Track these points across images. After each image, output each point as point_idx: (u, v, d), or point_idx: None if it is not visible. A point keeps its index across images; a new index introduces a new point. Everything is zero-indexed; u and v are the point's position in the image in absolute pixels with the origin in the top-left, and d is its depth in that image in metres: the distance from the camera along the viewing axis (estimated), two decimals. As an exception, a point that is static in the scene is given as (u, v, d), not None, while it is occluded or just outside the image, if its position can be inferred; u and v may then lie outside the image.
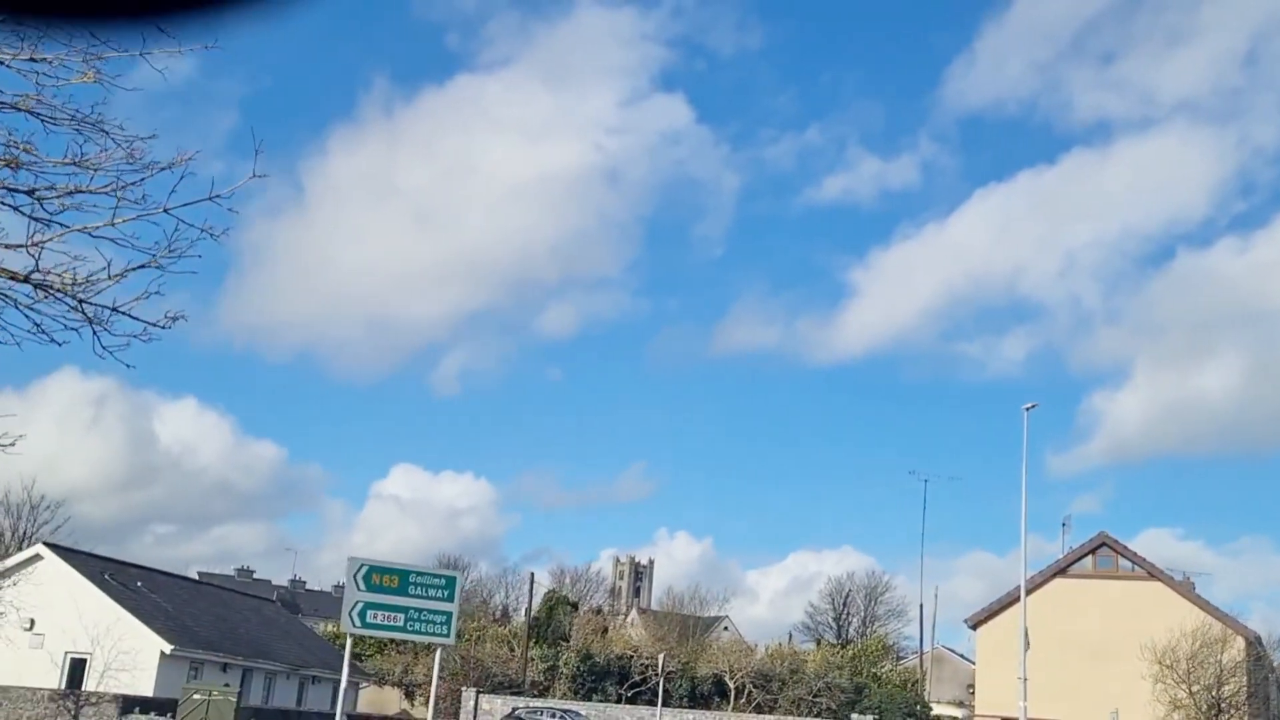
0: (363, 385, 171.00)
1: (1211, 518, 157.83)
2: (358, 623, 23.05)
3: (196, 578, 64.37)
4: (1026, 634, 37.31)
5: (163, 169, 7.97)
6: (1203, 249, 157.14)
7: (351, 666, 59.35)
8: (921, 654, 74.38)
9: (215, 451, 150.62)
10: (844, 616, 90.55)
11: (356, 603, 22.91)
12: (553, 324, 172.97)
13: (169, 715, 35.26)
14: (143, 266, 8.01)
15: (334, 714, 42.84)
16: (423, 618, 23.51)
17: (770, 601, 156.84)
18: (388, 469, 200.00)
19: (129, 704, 36.30)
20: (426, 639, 24.33)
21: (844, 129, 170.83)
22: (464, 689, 56.85)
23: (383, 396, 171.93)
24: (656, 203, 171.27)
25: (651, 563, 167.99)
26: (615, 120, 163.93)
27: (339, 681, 55.10)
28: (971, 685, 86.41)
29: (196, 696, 35.09)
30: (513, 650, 63.70)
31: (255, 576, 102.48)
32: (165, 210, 7.87)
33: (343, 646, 66.18)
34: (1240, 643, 41.74)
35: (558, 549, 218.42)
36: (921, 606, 75.61)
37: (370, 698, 61.08)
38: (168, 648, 40.98)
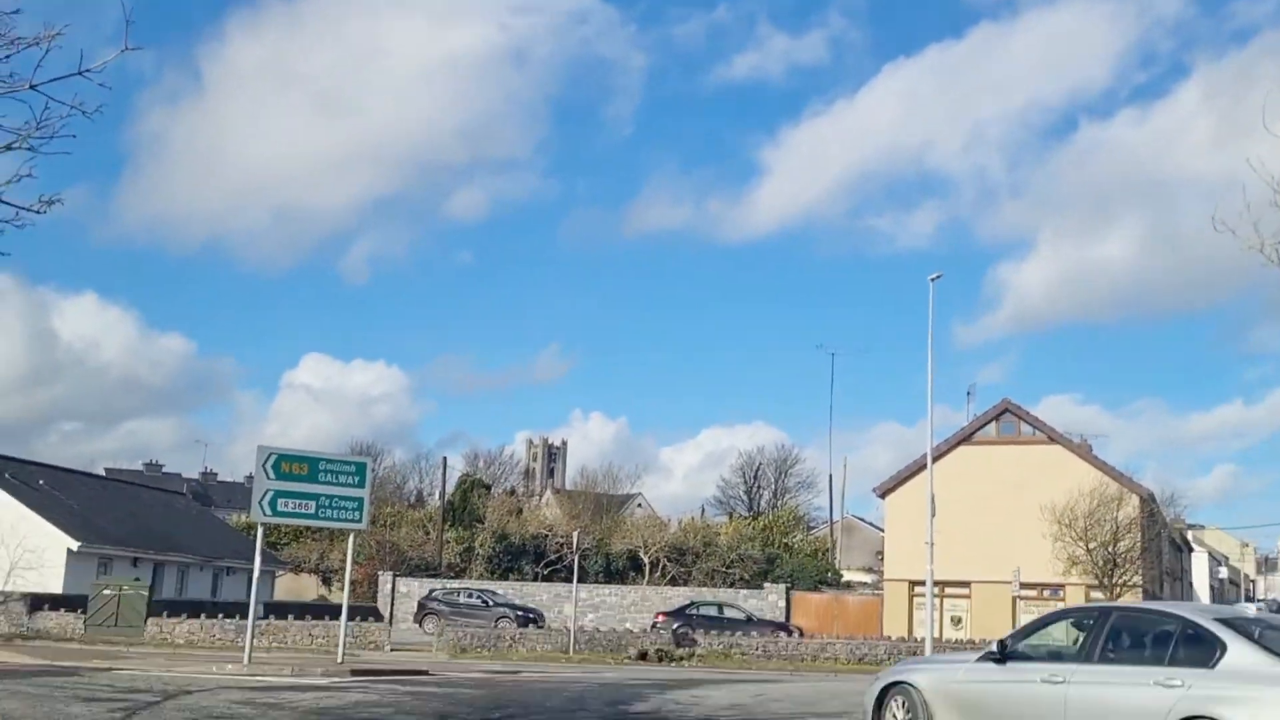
0: (272, 275, 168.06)
1: (1109, 382, 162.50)
2: (268, 511, 22.85)
3: (103, 474, 63.21)
4: (933, 500, 38.12)
5: (29, 45, 7.53)
6: (1104, 120, 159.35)
7: (266, 555, 59.27)
8: (831, 523, 76.02)
9: (120, 347, 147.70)
10: (755, 490, 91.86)
11: (266, 491, 22.68)
12: (462, 207, 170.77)
13: (79, 611, 34.91)
14: (10, 147, 7.60)
15: (248, 603, 42.98)
16: (334, 504, 23.38)
17: (684, 477, 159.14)
18: (298, 359, 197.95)
19: (37, 601, 35.89)
20: (339, 525, 24.24)
21: (753, 6, 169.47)
22: (380, 573, 57.10)
23: (292, 286, 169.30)
24: (564, 83, 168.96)
25: (564, 443, 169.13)
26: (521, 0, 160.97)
27: (253, 571, 55.33)
28: (880, 552, 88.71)
29: (107, 592, 34.78)
30: (428, 534, 63.97)
31: (165, 470, 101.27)
32: (32, 87, 7.45)
33: (250, 539, 66.50)
34: (1135, 500, 43.18)
35: (473, 433, 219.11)
36: (831, 477, 77.17)
37: (287, 585, 61.11)
38: (74, 544, 40.51)
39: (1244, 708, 8.90)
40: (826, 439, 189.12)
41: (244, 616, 37.80)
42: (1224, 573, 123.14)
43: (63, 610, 35.34)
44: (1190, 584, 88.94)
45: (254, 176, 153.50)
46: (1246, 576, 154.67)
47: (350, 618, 36.80)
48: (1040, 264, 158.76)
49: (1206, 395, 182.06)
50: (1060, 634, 11.68)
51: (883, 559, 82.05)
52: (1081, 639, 11.00)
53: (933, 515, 37.33)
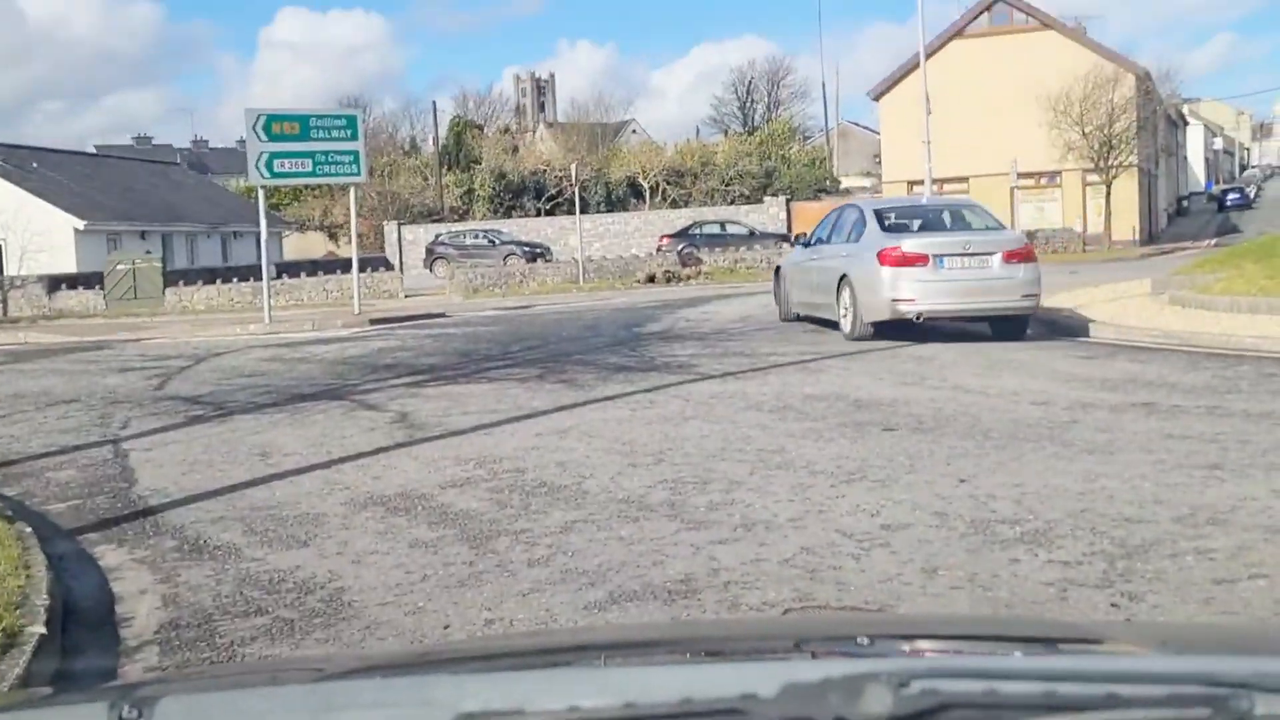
0: None
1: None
2: (265, 174, 22.81)
3: (94, 151, 62.59)
4: (928, 98, 37.85)
5: None
6: None
7: (271, 217, 59.61)
8: (827, 131, 75.77)
9: (87, 19, 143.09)
10: (748, 105, 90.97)
11: (261, 153, 22.54)
12: None
13: (97, 287, 35.54)
14: None
15: (260, 266, 43.60)
16: (330, 159, 23.28)
17: (679, 99, 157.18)
18: (273, 14, 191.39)
19: (55, 282, 36.46)
20: (338, 180, 24.31)
21: None
22: (385, 223, 57.57)
23: None
24: None
25: (552, 76, 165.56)
26: None
27: (260, 234, 55.80)
28: (878, 155, 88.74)
29: (121, 267, 35.23)
30: (426, 180, 64.04)
31: (155, 143, 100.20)
32: None
33: (252, 200, 66.56)
34: (1130, 80, 42.79)
35: (460, 74, 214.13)
36: (824, 84, 76.42)
37: (295, 244, 61.77)
38: (80, 223, 40.75)
39: (854, 261, 14.65)
40: (816, 47, 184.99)
41: (258, 279, 38.44)
42: (1219, 143, 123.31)
43: (80, 288, 35.94)
44: (1185, 158, 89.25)
45: None
46: (1241, 145, 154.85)
47: (361, 270, 37.46)
48: None
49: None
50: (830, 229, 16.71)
51: (880, 163, 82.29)
52: (830, 228, 16.61)
53: (928, 113, 37.17)
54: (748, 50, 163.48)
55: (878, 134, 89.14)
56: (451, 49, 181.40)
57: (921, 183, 44.50)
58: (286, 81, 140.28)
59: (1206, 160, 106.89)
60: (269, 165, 22.66)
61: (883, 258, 14.10)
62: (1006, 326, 14.44)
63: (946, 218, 16.22)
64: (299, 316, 25.38)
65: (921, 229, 15.36)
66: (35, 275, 36.49)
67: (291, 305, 34.10)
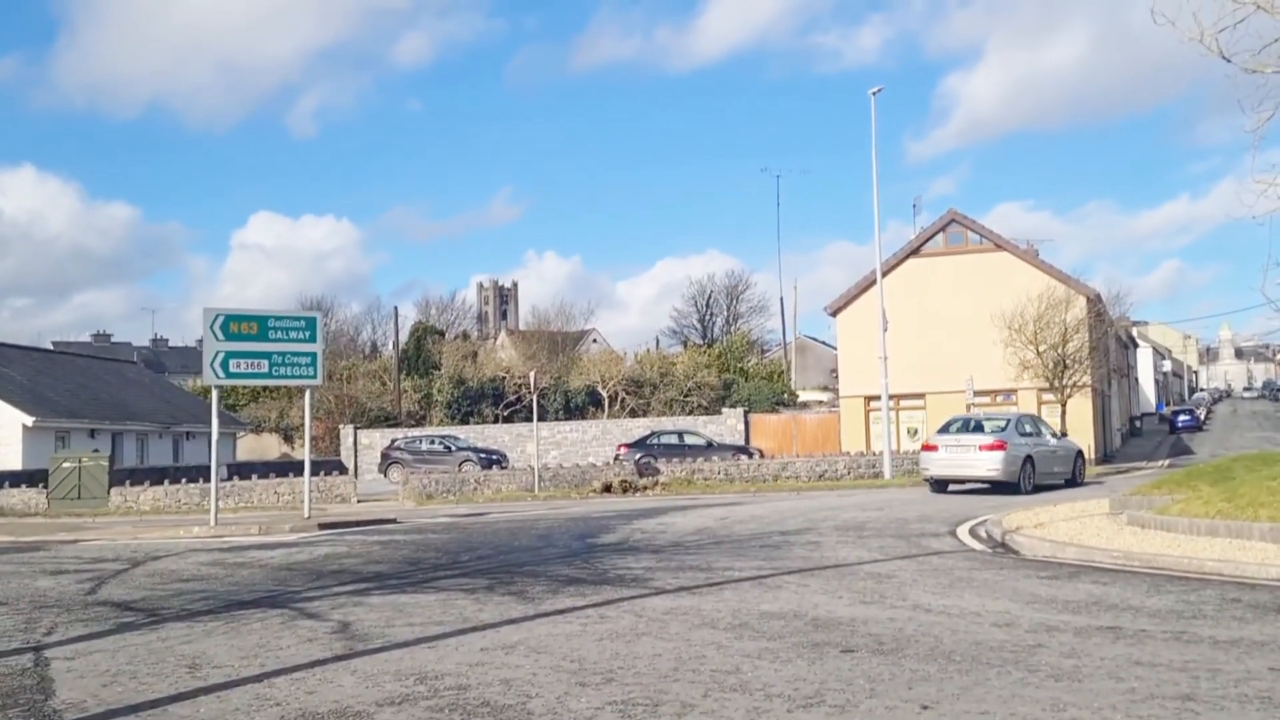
0: (217, 133, 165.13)
1: (1059, 187, 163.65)
2: (220, 374, 22.64)
3: (50, 348, 62.33)
4: (884, 314, 38.45)
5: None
6: None
7: (225, 417, 59.20)
8: (785, 345, 76.73)
9: (63, 218, 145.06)
10: (708, 317, 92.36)
11: (217, 353, 22.42)
12: (408, 54, 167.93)
13: (40, 485, 34.82)
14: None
15: (305, 461, 43.02)
16: (287, 361, 23.18)
17: (642, 310, 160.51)
18: (247, 218, 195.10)
19: (-2, 479, 35.77)
20: (294, 382, 24.06)
21: None
22: (341, 426, 57.28)
23: (239, 143, 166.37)
24: None
25: (515, 285, 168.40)
26: None
27: (211, 434, 55.23)
28: (834, 370, 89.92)
29: (66, 464, 34.64)
30: (385, 384, 64.06)
31: (114, 340, 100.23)
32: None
33: (209, 402, 66.19)
34: (1082, 302, 43.72)
35: (428, 281, 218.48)
36: (782, 300, 77.76)
37: (250, 445, 61.28)
38: (29, 420, 40.22)
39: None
40: (775, 264, 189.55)
41: (208, 480, 37.96)
42: (1168, 366, 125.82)
43: (24, 486, 35.25)
44: (1137, 379, 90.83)
45: (195, 32, 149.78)
46: (1189, 368, 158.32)
47: (314, 473, 37.03)
48: (989, 72, 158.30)
49: (1154, 192, 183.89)
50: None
51: (837, 377, 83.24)
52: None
53: (885, 329, 37.68)
54: (710, 265, 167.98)
55: (834, 349, 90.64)
56: (421, 256, 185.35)
57: (878, 398, 44.94)
58: (256, 282, 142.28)
59: (1156, 382, 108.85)
60: (224, 365, 22.50)
61: (923, 445, 29.65)
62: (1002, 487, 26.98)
63: (983, 424, 29.38)
64: (247, 519, 24.83)
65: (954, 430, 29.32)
66: (-23, 472, 35.78)
67: (241, 508, 33.48)
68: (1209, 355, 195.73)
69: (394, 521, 23.44)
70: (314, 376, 23.79)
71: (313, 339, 23.59)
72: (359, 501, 34.83)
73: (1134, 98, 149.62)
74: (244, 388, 67.15)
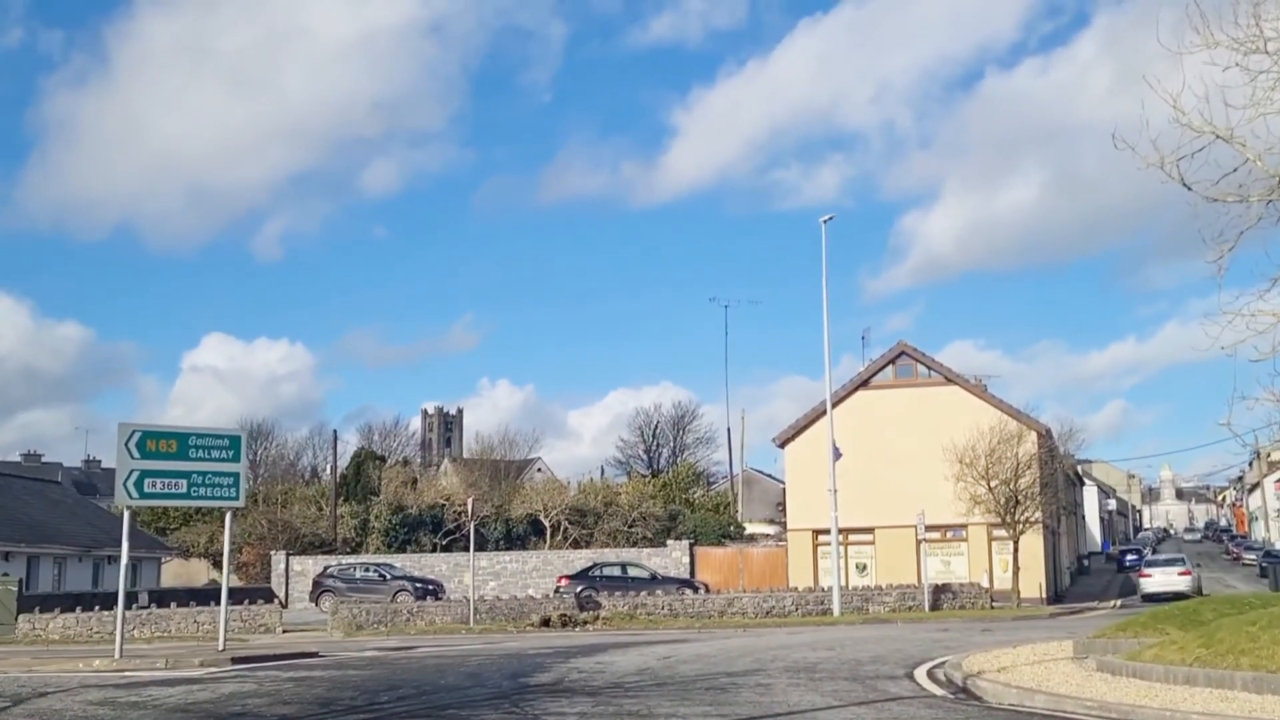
0: (182, 256, 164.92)
1: (1010, 326, 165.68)
2: (134, 493, 21.21)
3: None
4: (835, 446, 37.64)
5: None
6: (1008, 71, 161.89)
7: (151, 541, 57.01)
8: (731, 477, 75.70)
9: (13, 337, 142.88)
10: (654, 448, 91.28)
11: (131, 472, 21.02)
12: (377, 182, 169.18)
13: (-57, 612, 32.89)
14: None
15: (132, 591, 41.02)
16: (207, 481, 21.81)
17: (593, 440, 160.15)
18: (198, 338, 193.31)
19: (-106, 606, 33.71)
20: (213, 504, 22.69)
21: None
22: (273, 552, 55.27)
23: (202, 266, 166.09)
24: (482, 53, 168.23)
25: (460, 412, 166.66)
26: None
27: (139, 559, 53.01)
28: (781, 504, 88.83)
29: (-27, 588, 32.73)
30: (321, 510, 62.14)
31: (45, 460, 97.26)
32: None
33: (144, 523, 63.91)
34: (1033, 437, 43.13)
35: (381, 407, 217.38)
36: (729, 431, 76.91)
37: (176, 571, 59.01)
38: (-65, 541, 38.28)
39: None
40: (725, 398, 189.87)
41: (138, 605, 36.12)
42: (1112, 504, 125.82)
43: (-76, 613, 33.26)
44: (1083, 517, 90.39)
45: (166, 157, 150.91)
46: (1133, 507, 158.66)
47: (242, 600, 35.27)
48: (945, 214, 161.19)
49: (1102, 334, 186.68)
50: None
51: (784, 510, 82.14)
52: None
53: (836, 458, 36.85)
54: (663, 396, 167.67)
55: (781, 482, 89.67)
56: (377, 381, 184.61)
57: (826, 531, 43.90)
58: (206, 405, 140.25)
59: (1101, 520, 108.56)
60: (139, 485, 21.13)
61: (1139, 573, 46.45)
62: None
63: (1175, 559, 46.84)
64: (158, 651, 23.26)
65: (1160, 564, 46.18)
66: None
67: (157, 637, 31.72)
68: (1150, 495, 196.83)
69: (315, 655, 21.93)
70: (235, 498, 22.46)
71: (236, 458, 22.30)
72: (284, 632, 33.10)
73: (1084, 241, 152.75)
74: (175, 510, 65.01)
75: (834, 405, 46.06)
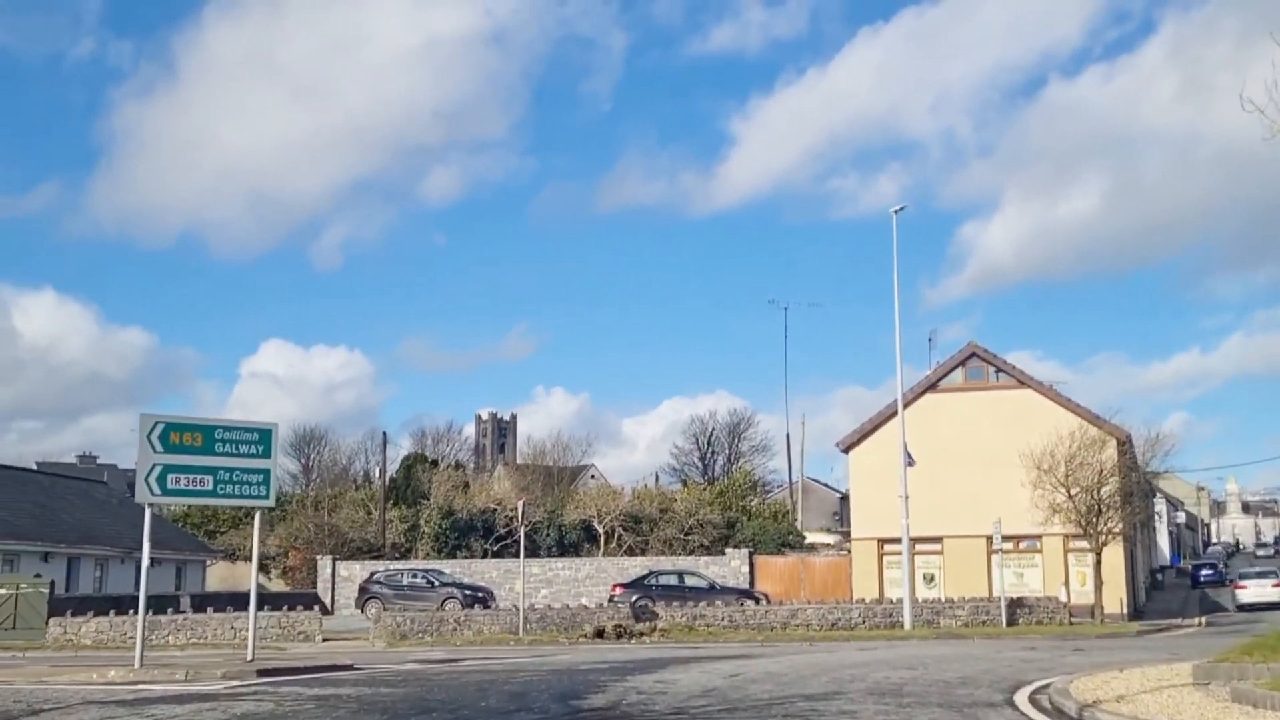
0: (243, 263, 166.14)
1: (1069, 337, 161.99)
2: (156, 489, 19.64)
3: (9, 465, 58.97)
4: (907, 449, 35.61)
5: None
6: (1071, 78, 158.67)
7: (197, 543, 55.82)
8: (791, 483, 73.68)
9: (79, 342, 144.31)
10: (709, 455, 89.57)
11: (153, 466, 19.45)
12: (437, 189, 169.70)
13: (-29, 615, 31.59)
14: None
15: (174, 595, 39.72)
16: (235, 478, 20.21)
17: (647, 448, 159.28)
18: (258, 345, 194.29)
19: (-75, 607, 32.45)
20: (241, 502, 21.14)
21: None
22: (319, 557, 53.91)
23: (263, 273, 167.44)
24: (543, 62, 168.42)
25: (514, 418, 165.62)
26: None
27: (184, 561, 51.80)
28: (836, 513, 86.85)
29: (2, 591, 31.39)
30: (370, 513, 60.75)
31: (100, 462, 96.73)
32: None
33: (194, 525, 62.76)
34: (1113, 444, 40.81)
35: (436, 415, 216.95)
36: (788, 437, 74.64)
37: (222, 574, 57.80)
38: (-30, 541, 37.13)
39: None
40: (784, 405, 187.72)
41: (176, 610, 34.68)
42: (1182, 517, 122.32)
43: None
44: (1154, 530, 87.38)
45: (229, 165, 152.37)
46: (1201, 521, 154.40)
47: (283, 606, 33.76)
48: (1004, 223, 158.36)
49: (1165, 345, 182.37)
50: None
51: (840, 519, 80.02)
52: None
53: (908, 464, 34.82)
54: (718, 405, 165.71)
55: (837, 491, 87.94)
56: (433, 389, 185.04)
57: (893, 540, 41.80)
58: (263, 411, 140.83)
59: (1170, 534, 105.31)
60: (161, 480, 19.58)
61: (1234, 584, 51.84)
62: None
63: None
64: (184, 660, 21.70)
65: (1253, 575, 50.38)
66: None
67: (191, 643, 30.27)
68: (1217, 509, 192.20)
69: (350, 668, 20.25)
70: (265, 496, 20.85)
71: (266, 454, 20.69)
72: (324, 640, 31.53)
73: (1145, 251, 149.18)
74: (224, 511, 63.78)
75: (892, 415, 44.13)
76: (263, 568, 59.64)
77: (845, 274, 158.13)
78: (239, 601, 42.12)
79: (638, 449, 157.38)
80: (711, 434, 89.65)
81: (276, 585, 57.67)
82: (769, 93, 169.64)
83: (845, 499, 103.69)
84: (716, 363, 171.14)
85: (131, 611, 32.00)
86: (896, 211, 35.57)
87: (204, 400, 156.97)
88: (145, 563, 19.95)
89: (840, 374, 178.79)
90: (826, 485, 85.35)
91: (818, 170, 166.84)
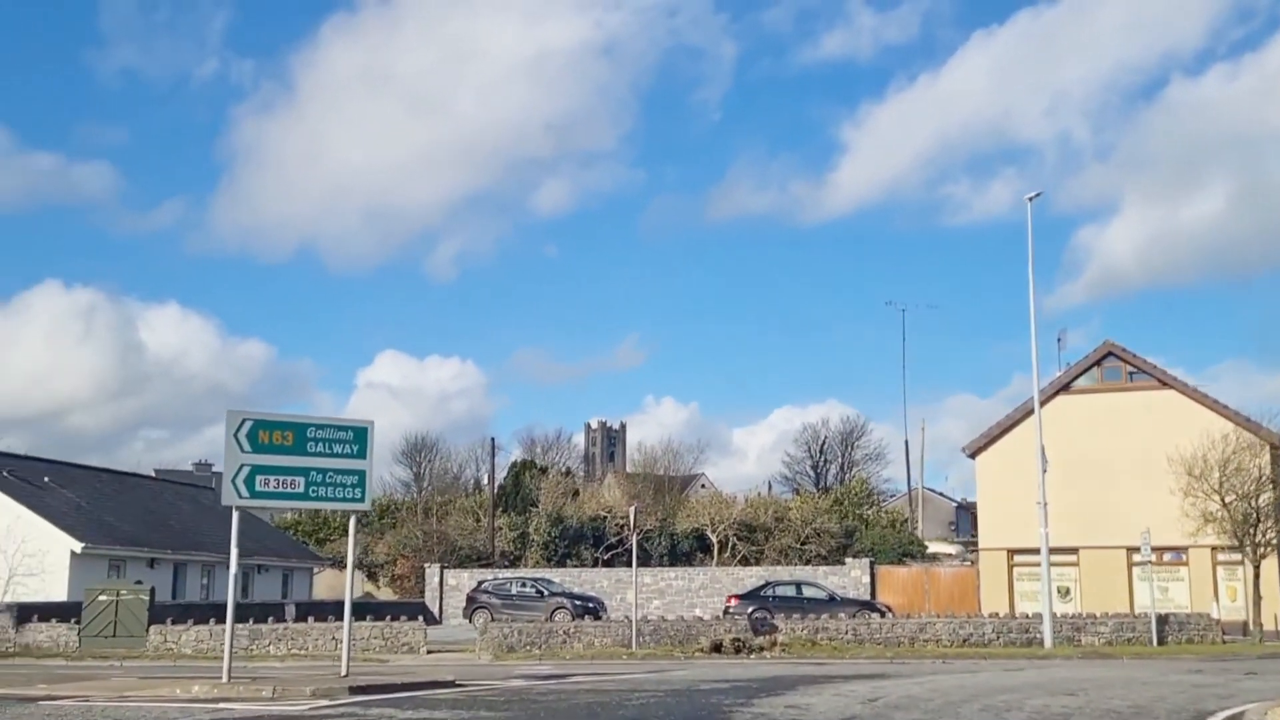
0: (360, 276, 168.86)
1: (1194, 344, 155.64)
2: (244, 492, 18.34)
3: (118, 469, 58.90)
4: (1044, 452, 33.28)
5: None
6: (1194, 78, 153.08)
7: (302, 550, 55.16)
8: (910, 490, 71.21)
9: (201, 354, 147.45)
10: (821, 464, 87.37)
11: (241, 467, 18.16)
12: (548, 201, 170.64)
13: (72, 620, 30.79)
14: None
15: (279, 604, 38.76)
16: (328, 480, 18.82)
17: (757, 458, 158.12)
18: (373, 356, 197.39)
19: (25, 612, 31.72)
20: (335, 505, 19.70)
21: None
22: (427, 566, 52.89)
23: (378, 286, 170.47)
24: (653, 73, 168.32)
25: (624, 426, 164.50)
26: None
27: (290, 569, 51.10)
28: (953, 522, 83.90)
29: (103, 598, 30.58)
30: (479, 521, 59.67)
31: (215, 469, 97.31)
32: None
33: (305, 533, 62.26)
34: (1268, 450, 37.88)
35: (547, 424, 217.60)
36: (907, 442, 72.01)
37: (330, 582, 57.12)
38: (77, 546, 36.52)
39: None
40: (895, 413, 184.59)
41: (279, 618, 33.66)
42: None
43: (54, 621, 31.15)
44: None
45: (345, 180, 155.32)
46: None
47: (392, 617, 32.50)
48: (1124, 227, 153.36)
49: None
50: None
51: (956, 529, 77.14)
52: None
53: (1044, 469, 32.53)
54: (829, 413, 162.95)
55: (953, 500, 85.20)
56: (544, 399, 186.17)
57: (1025, 551, 39.47)
58: (378, 421, 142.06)
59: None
60: (249, 482, 18.27)
61: None
62: None
63: None
64: (274, 674, 20.44)
65: None
66: (3, 603, 31.86)
67: (291, 654, 29.11)
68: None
69: (450, 685, 18.73)
70: (360, 499, 19.43)
71: (362, 454, 19.27)
72: (429, 652, 30.18)
73: (1274, 253, 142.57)
74: (334, 516, 63.16)
75: (1024, 417, 41.83)
76: (371, 576, 58.99)
77: (955, 282, 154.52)
78: (342, 611, 41.18)
79: (748, 459, 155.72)
80: (824, 442, 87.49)
81: (385, 593, 56.81)
82: (880, 99, 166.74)
83: (962, 508, 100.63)
84: (827, 371, 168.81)
85: (250, 619, 31.05)
86: (1031, 199, 33.33)
87: (322, 410, 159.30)
88: (234, 569, 18.75)
89: (950, 382, 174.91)
90: (941, 494, 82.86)
91: (930, 176, 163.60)
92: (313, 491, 18.90)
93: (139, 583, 32.45)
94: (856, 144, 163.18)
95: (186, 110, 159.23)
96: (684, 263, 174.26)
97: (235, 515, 18.73)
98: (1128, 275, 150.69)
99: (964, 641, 32.51)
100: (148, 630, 30.18)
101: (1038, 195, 33.62)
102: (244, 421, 18.26)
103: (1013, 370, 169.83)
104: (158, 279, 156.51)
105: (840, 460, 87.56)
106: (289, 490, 18.70)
